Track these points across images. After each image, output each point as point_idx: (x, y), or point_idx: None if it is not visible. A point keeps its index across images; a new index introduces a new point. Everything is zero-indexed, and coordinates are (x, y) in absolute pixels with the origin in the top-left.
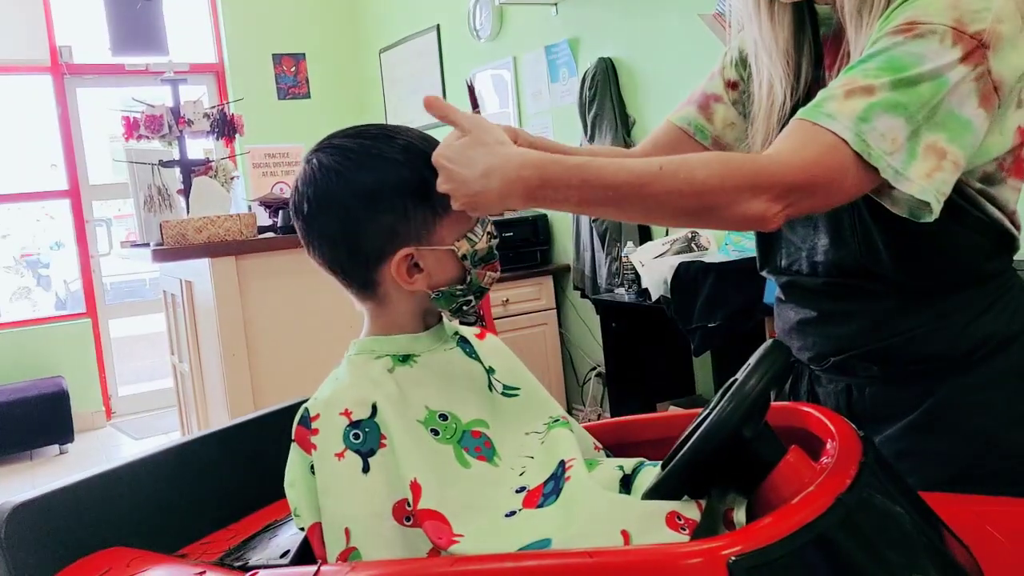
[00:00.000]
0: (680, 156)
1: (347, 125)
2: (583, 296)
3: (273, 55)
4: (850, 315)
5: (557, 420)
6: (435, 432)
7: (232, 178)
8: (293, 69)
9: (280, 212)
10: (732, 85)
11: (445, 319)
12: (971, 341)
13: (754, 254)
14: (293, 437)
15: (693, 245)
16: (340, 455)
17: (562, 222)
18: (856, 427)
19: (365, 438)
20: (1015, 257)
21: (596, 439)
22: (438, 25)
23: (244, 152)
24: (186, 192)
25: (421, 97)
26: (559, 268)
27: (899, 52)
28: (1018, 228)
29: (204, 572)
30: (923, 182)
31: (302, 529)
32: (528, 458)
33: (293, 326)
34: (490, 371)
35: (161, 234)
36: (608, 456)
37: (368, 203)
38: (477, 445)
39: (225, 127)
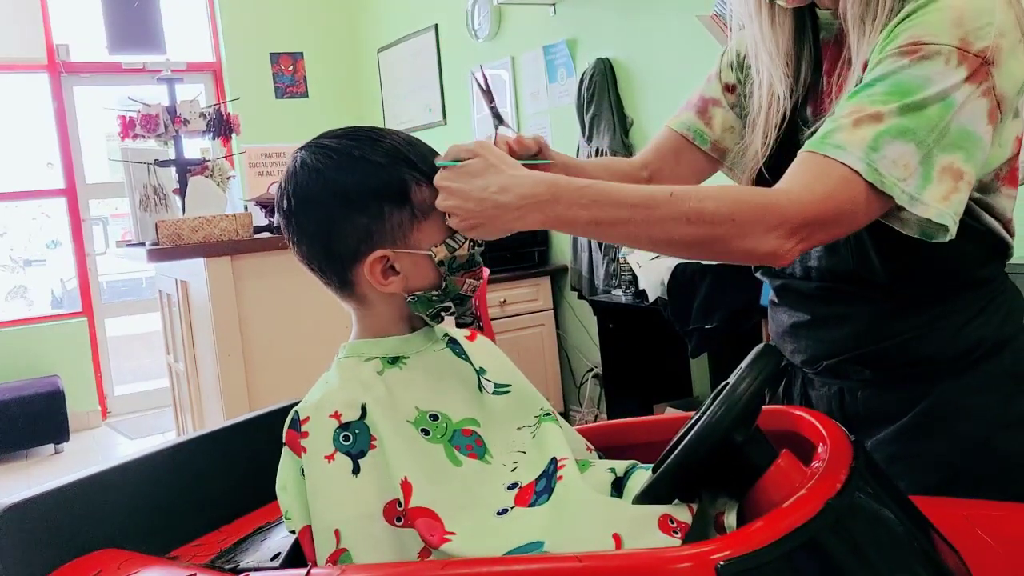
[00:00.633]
0: (694, 186)
1: (344, 124)
2: (580, 297)
3: (271, 54)
4: (843, 319)
5: (548, 414)
6: (425, 432)
7: (228, 178)
8: (291, 68)
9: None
10: (730, 88)
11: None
12: (963, 345)
13: None
14: (284, 440)
15: None
16: (330, 457)
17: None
18: (848, 431)
19: (355, 440)
20: (1010, 261)
21: (589, 441)
22: (436, 25)
23: (240, 152)
24: (182, 192)
25: (419, 97)
26: (556, 269)
27: (905, 76)
28: (1013, 235)
29: (195, 574)
30: (940, 205)
31: (293, 532)
32: (520, 453)
33: (289, 326)
34: (481, 372)
35: (157, 234)
36: (600, 458)
37: (344, 203)
38: (468, 443)
39: (222, 126)
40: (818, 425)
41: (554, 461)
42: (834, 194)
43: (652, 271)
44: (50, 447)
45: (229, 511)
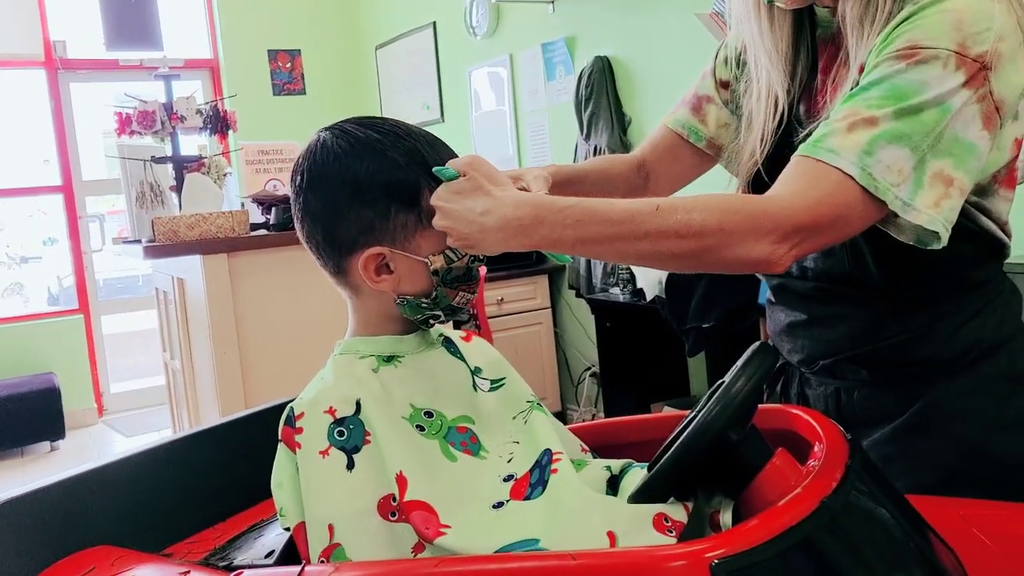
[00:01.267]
0: (680, 197)
1: (336, 122)
2: (578, 296)
3: (268, 51)
4: (839, 319)
5: (535, 403)
6: (420, 428)
7: (225, 175)
8: (288, 65)
9: (273, 209)
10: (724, 85)
11: None
12: (960, 346)
13: None
14: (280, 437)
15: None
16: (324, 452)
17: None
18: (845, 430)
19: (350, 435)
20: (1007, 260)
21: (584, 440)
22: (434, 22)
23: (237, 149)
24: (178, 188)
25: (417, 94)
26: (554, 268)
27: (901, 80)
28: (1010, 236)
29: (189, 572)
30: (931, 212)
31: (287, 529)
32: (515, 443)
33: (285, 324)
34: (476, 371)
35: (153, 231)
36: (595, 457)
37: (353, 192)
38: (463, 440)
39: (219, 123)
40: (814, 424)
41: (548, 453)
42: (827, 199)
43: (650, 270)
44: (46, 444)
45: (223, 508)
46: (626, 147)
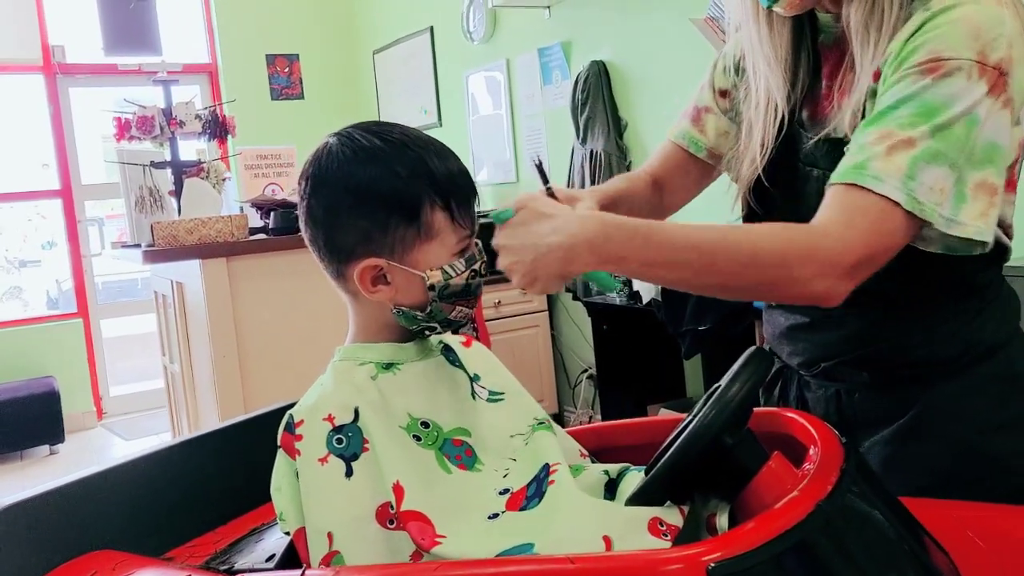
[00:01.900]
0: (744, 226)
1: (340, 127)
2: (575, 298)
3: (266, 56)
4: (839, 322)
5: (542, 423)
6: (417, 438)
7: (224, 179)
8: (287, 70)
9: (272, 213)
10: (723, 94)
11: None
12: (958, 348)
13: None
14: (279, 443)
15: None
16: (323, 460)
17: None
18: (844, 433)
19: (348, 443)
20: (1007, 263)
21: (582, 444)
22: (431, 27)
23: (236, 153)
24: (177, 193)
25: (415, 99)
26: None
27: (929, 96)
28: (1011, 239)
29: (190, 575)
30: (978, 223)
31: (287, 534)
32: (511, 460)
33: (284, 328)
34: (475, 378)
35: (152, 235)
36: (593, 462)
37: (353, 201)
38: (458, 453)
39: (217, 128)
40: (809, 427)
41: (546, 467)
42: (877, 228)
43: None
44: (45, 448)
45: (224, 513)
46: (622, 151)
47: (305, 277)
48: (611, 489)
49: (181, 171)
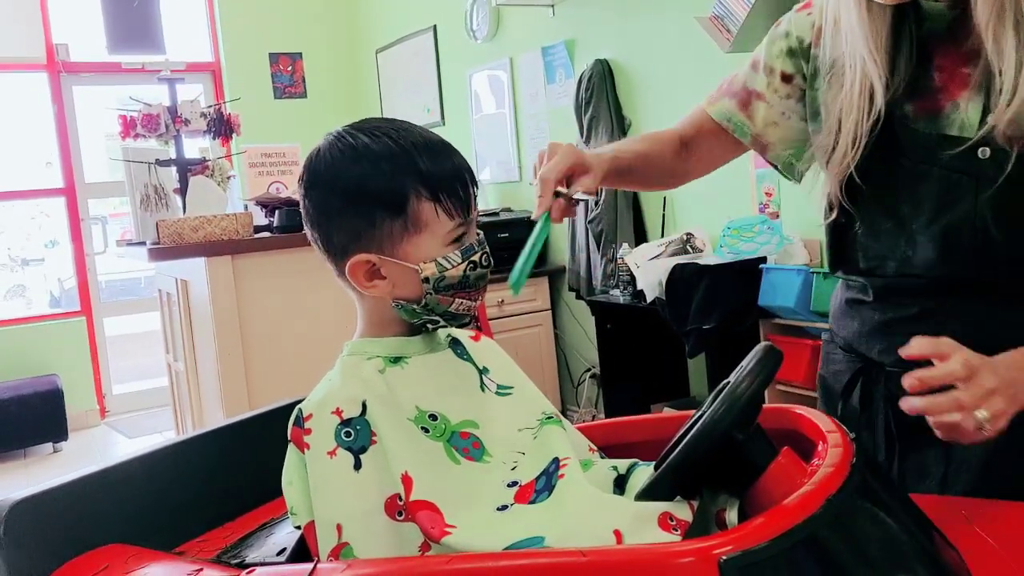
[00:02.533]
0: None
1: (343, 125)
2: (578, 297)
3: (270, 54)
4: (953, 313)
5: (550, 417)
6: (425, 430)
7: (228, 177)
8: (290, 68)
9: (276, 212)
10: (787, 78)
11: None
12: None
13: (748, 256)
14: (289, 437)
15: (688, 247)
16: (332, 453)
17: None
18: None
19: (356, 436)
20: None
21: (590, 440)
22: (435, 25)
23: (240, 152)
24: (182, 191)
25: (418, 97)
26: (554, 269)
27: None
28: None
29: (201, 569)
30: None
31: (298, 527)
32: (520, 454)
33: (289, 326)
34: (484, 371)
35: (157, 233)
36: (602, 457)
37: (342, 199)
38: (465, 446)
39: (222, 126)
40: (818, 423)
41: (556, 461)
42: None
43: (650, 271)
44: (48, 446)
45: (234, 507)
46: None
47: (309, 275)
48: (620, 484)
49: (186, 169)
